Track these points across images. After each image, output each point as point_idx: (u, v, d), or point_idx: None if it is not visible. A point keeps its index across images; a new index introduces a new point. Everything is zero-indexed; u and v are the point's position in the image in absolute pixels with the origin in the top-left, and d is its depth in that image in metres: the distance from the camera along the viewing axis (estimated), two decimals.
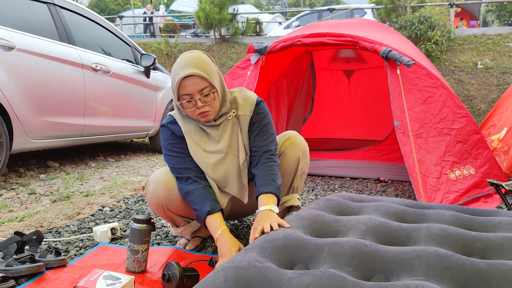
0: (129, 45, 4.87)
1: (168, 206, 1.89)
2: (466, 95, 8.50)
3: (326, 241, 1.37)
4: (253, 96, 1.94)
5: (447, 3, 11.42)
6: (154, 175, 1.92)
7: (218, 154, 1.87)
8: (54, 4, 3.90)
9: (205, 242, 2.14)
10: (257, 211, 1.70)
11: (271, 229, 1.50)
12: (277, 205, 1.76)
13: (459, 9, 12.54)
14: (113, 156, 4.79)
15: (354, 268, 1.25)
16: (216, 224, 1.75)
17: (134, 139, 6.25)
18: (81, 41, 4.09)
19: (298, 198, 2.11)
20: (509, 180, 2.76)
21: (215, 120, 1.85)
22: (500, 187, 2.58)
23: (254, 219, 2.63)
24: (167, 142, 1.90)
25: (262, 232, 1.51)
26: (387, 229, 1.53)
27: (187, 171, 1.85)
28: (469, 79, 8.93)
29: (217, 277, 1.14)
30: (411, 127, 2.92)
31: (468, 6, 16.38)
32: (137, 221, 1.77)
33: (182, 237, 2.16)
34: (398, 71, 3.11)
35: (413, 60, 3.10)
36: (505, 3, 14.92)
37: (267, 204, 1.70)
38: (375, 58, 4.29)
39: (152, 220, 1.81)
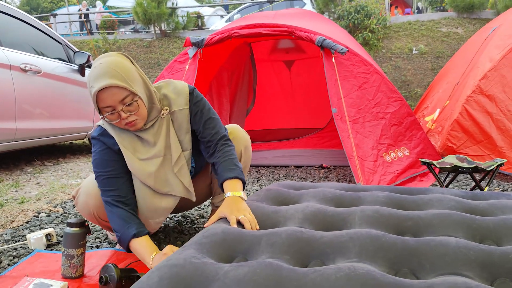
0: (60, 43, 4.67)
1: (100, 216, 1.83)
2: (403, 80, 8.81)
3: (264, 232, 1.37)
4: (184, 87, 1.82)
5: None
6: (84, 186, 1.83)
7: (156, 159, 1.74)
8: None
9: None
10: (224, 195, 1.63)
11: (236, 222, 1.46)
12: (243, 188, 1.71)
13: None
14: (51, 160, 4.59)
15: (291, 256, 1.25)
16: (147, 248, 1.62)
17: (73, 141, 6.03)
18: (7, 41, 3.87)
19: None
20: (442, 159, 2.88)
21: (145, 125, 1.73)
22: (432, 165, 2.69)
23: (198, 214, 2.61)
24: (97, 157, 1.73)
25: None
26: (323, 215, 1.55)
27: (110, 193, 1.70)
28: (405, 64, 9.26)
29: (151, 277, 1.11)
30: (348, 113, 2.99)
31: None
32: (70, 224, 1.69)
33: None
34: (333, 59, 3.16)
35: (347, 48, 3.17)
36: None
37: (234, 190, 1.63)
38: (314, 48, 4.34)
39: (86, 223, 1.75)
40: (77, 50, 4.75)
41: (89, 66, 4.85)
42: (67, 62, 4.62)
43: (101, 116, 1.63)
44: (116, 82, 1.53)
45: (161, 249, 1.68)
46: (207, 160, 1.86)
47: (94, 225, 2.38)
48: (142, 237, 1.65)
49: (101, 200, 1.75)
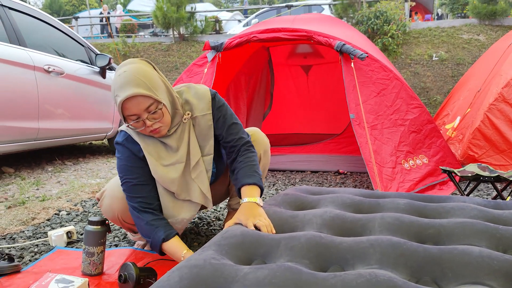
0: (83, 46, 4.75)
1: (124, 219, 1.84)
2: (422, 87, 8.72)
3: (283, 236, 1.37)
4: (206, 92, 1.82)
5: None
6: (109, 189, 1.84)
7: (179, 165, 1.75)
8: (2, 5, 3.74)
9: None
10: (241, 201, 1.64)
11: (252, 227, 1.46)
12: (261, 195, 1.71)
13: (414, 3, 12.86)
14: (71, 160, 4.66)
15: (310, 260, 1.25)
16: (177, 249, 1.66)
17: (93, 141, 6.11)
18: (32, 42, 3.94)
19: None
20: (463, 167, 2.84)
21: (168, 131, 1.73)
22: (453, 173, 2.66)
23: (214, 216, 2.62)
24: (123, 163, 1.73)
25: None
26: (342, 221, 1.54)
27: (138, 199, 1.72)
28: (425, 71, 9.17)
29: (172, 277, 1.12)
30: (366, 119, 2.98)
31: (423, 0, 16.81)
32: (91, 223, 1.72)
33: None
34: (352, 64, 3.15)
35: (367, 53, 3.15)
36: None
37: (251, 196, 1.63)
38: (332, 53, 4.34)
39: (107, 222, 1.77)
40: (98, 52, 4.83)
41: (110, 68, 4.92)
42: (89, 64, 4.69)
43: (126, 124, 1.65)
44: (141, 91, 1.55)
45: None
46: (228, 165, 1.87)
47: (113, 224, 2.41)
48: (171, 239, 1.67)
49: (126, 204, 1.76)
